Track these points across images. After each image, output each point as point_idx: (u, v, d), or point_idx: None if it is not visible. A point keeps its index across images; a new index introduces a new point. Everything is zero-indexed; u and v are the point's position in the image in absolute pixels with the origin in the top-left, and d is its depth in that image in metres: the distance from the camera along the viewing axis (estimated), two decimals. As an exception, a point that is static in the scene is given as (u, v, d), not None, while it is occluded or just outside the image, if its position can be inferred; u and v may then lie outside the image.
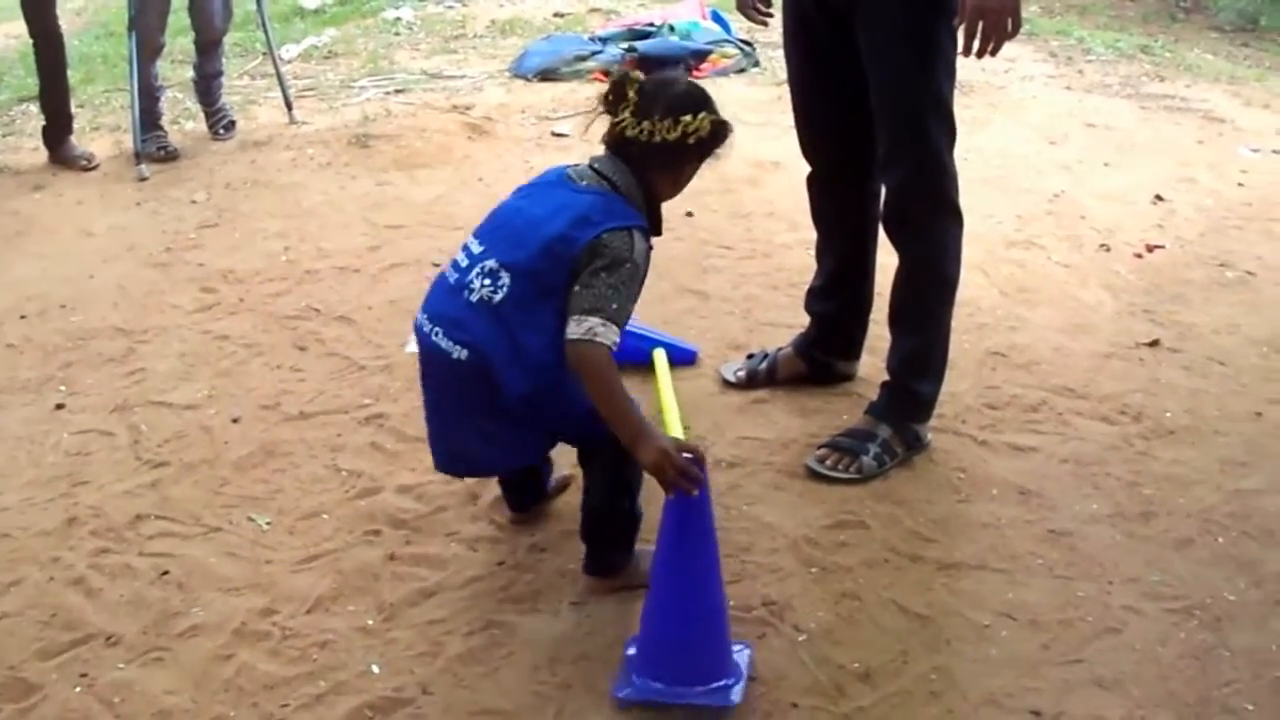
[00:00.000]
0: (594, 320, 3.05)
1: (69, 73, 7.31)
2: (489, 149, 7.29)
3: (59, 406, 4.59)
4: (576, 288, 3.09)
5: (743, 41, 9.35)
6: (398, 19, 10.39)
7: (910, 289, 4.09)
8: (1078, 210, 6.45)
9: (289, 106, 7.83)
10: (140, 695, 3.19)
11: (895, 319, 4.16)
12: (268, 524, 3.87)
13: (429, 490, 4.00)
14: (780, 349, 4.63)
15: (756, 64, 9.16)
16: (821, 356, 4.58)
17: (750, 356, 4.68)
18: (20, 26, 7.28)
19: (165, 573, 3.65)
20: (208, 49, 7.40)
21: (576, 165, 3.36)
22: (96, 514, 3.93)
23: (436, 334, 3.25)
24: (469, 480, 3.95)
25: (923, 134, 3.85)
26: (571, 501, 3.85)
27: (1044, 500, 3.98)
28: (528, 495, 3.85)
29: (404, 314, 5.13)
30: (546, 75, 8.75)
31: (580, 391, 3.12)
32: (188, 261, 5.80)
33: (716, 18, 9.77)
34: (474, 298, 3.18)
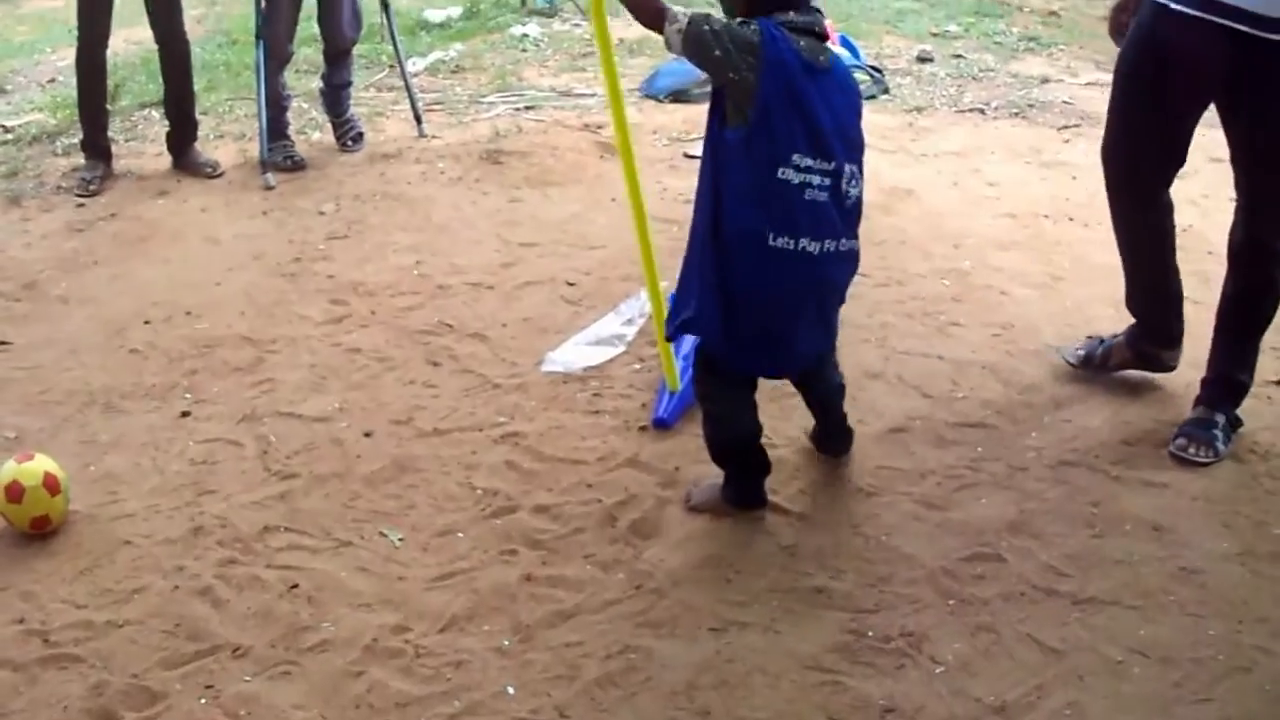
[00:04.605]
0: None
1: (191, 80, 7.34)
2: (621, 170, 7.18)
3: (185, 414, 4.59)
4: None
5: (872, 68, 9.24)
6: (525, 35, 10.37)
7: (1248, 306, 4.44)
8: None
9: (418, 120, 7.76)
10: (267, 709, 3.19)
11: (1226, 326, 4.51)
12: (400, 540, 3.86)
13: (566, 511, 3.98)
14: (1115, 337, 4.89)
15: (886, 90, 9.05)
16: (1148, 348, 4.82)
17: (1090, 339, 4.99)
18: (141, 32, 7.33)
19: (294, 586, 3.65)
20: (337, 59, 7.38)
21: (808, 43, 3.58)
22: (223, 524, 3.94)
23: (828, 246, 3.58)
24: (607, 501, 4.01)
25: None
26: (707, 526, 3.89)
27: (1176, 537, 3.94)
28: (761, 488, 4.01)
29: (538, 332, 5.13)
30: (678, 96, 8.67)
31: None
32: (316, 272, 5.79)
33: (845, 43, 9.66)
34: (849, 203, 3.64)
